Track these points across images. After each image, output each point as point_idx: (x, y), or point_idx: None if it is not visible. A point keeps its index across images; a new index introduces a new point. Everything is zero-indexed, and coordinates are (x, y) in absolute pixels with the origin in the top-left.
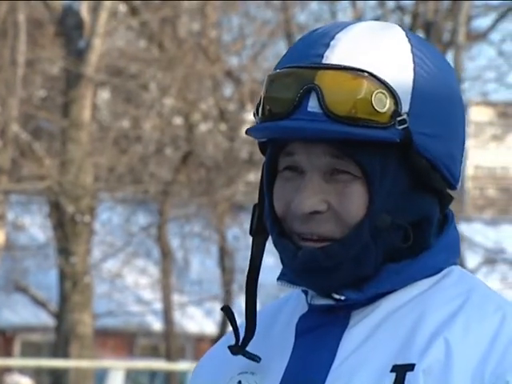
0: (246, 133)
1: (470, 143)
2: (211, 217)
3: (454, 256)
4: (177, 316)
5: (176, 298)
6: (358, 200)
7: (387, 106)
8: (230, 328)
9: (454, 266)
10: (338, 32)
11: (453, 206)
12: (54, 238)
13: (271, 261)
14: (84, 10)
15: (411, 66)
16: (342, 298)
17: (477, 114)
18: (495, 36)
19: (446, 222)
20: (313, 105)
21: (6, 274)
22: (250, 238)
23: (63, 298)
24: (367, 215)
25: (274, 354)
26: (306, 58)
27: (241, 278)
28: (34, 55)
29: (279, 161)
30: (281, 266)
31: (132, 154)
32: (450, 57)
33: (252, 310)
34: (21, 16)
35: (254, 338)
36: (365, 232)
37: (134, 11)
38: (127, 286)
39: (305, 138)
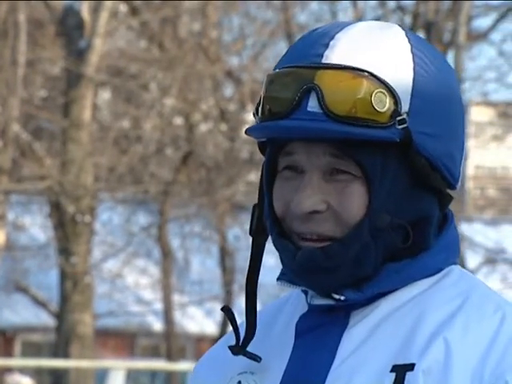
0: (246, 132)
1: (470, 143)
2: (211, 217)
3: (453, 256)
4: (177, 316)
5: (176, 298)
6: (357, 200)
7: (387, 105)
8: (230, 328)
9: (453, 266)
10: (337, 32)
11: (453, 206)
12: (55, 238)
13: (271, 261)
14: (85, 10)
15: (411, 65)
16: (342, 298)
17: (477, 114)
18: (496, 36)
19: (446, 221)
20: (312, 104)
21: (6, 274)
22: (250, 238)
23: (64, 298)
24: (367, 215)
25: (274, 353)
26: (305, 57)
27: (241, 278)
28: (35, 55)
29: (279, 161)
30: (281, 266)
31: (132, 154)
32: (450, 57)
33: (252, 310)
34: (21, 16)
35: (254, 337)
36: (365, 232)
37: (134, 11)
38: (128, 286)
39: (305, 138)
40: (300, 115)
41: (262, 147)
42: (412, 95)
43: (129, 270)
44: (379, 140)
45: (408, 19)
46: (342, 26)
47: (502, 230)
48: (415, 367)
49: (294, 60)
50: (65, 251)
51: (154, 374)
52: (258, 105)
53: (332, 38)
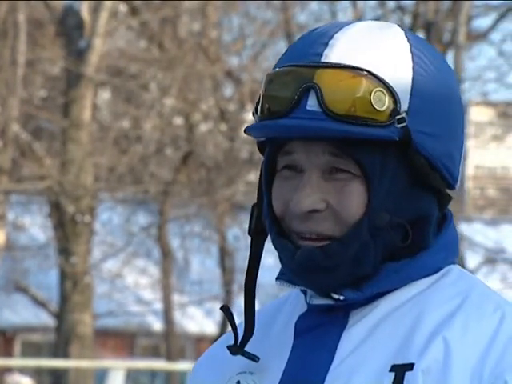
0: (245, 131)
1: (470, 143)
2: (211, 217)
3: (452, 255)
4: (177, 316)
5: (176, 298)
6: (357, 198)
7: (386, 104)
8: (230, 328)
9: (452, 266)
10: (336, 31)
11: (453, 206)
12: (55, 238)
13: (270, 260)
14: (84, 10)
15: (410, 64)
16: (341, 297)
17: (477, 114)
18: (495, 36)
19: (445, 221)
20: (312, 103)
21: (6, 274)
22: (249, 238)
23: (63, 298)
24: (366, 214)
25: (273, 353)
26: (304, 56)
27: (241, 278)
28: (35, 55)
29: (278, 160)
30: (280, 266)
31: (132, 154)
32: (450, 57)
33: (251, 310)
34: (21, 16)
35: (253, 337)
36: (364, 230)
37: (134, 11)
38: (127, 286)
39: (304, 137)
40: (299, 114)
41: (261, 147)
42: (411, 94)
43: (129, 270)
44: (378, 139)
45: (408, 19)
46: (342, 25)
47: (501, 229)
48: (414, 367)
49: (293, 59)
50: (65, 251)
51: (153, 374)
52: (258, 104)
53: (331, 37)
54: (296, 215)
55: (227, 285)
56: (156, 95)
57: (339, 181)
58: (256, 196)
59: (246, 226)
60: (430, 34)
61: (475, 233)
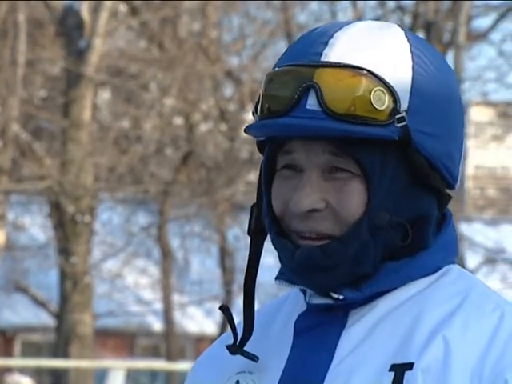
0: (245, 131)
1: (470, 143)
2: (211, 217)
3: (452, 255)
4: (177, 316)
5: (176, 298)
6: (356, 198)
7: (386, 103)
8: (229, 328)
9: (452, 265)
10: (336, 31)
11: (453, 206)
12: (55, 238)
13: (270, 260)
14: (84, 10)
15: (410, 64)
16: (341, 297)
17: (477, 114)
18: (495, 36)
19: (445, 221)
20: (312, 102)
21: (6, 274)
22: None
23: (63, 298)
24: (366, 213)
25: (273, 353)
26: (304, 56)
27: (241, 278)
28: (35, 55)
29: (277, 159)
30: (279, 266)
31: (132, 154)
32: (450, 57)
33: (250, 310)
34: (21, 16)
35: (253, 337)
36: (363, 230)
37: (134, 11)
38: (127, 286)
39: (304, 136)
40: (299, 113)
41: (261, 146)
42: (411, 93)
43: (128, 270)
44: (378, 138)
45: (408, 19)
46: (342, 25)
47: (501, 229)
48: (414, 366)
49: (293, 58)
50: (65, 251)
51: (153, 373)
52: (257, 103)
53: (331, 36)
54: (296, 214)
55: (227, 285)
56: (156, 95)
57: (339, 180)
58: (256, 196)
59: (246, 226)
60: (430, 34)
61: (475, 233)
